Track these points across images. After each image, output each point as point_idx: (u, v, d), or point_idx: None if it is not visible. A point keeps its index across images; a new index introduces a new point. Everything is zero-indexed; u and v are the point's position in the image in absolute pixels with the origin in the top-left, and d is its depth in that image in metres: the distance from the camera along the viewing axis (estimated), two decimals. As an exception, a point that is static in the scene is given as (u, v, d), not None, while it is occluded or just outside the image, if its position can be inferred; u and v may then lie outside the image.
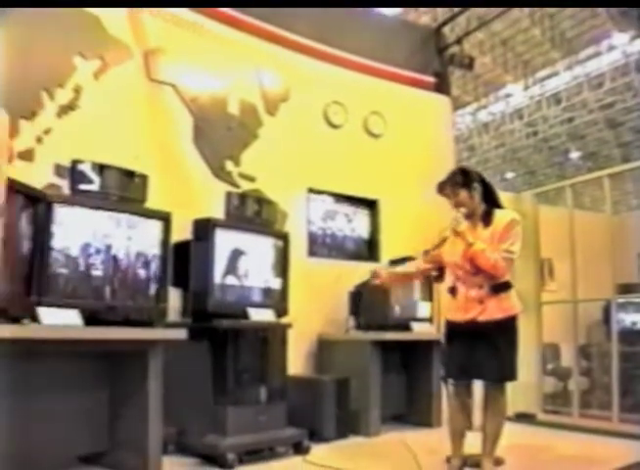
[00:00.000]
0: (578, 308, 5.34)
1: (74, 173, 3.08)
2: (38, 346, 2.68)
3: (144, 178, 3.33)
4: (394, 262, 4.74)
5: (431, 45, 6.35)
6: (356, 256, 5.46)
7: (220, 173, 4.65)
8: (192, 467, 3.46)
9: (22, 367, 2.75)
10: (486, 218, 3.26)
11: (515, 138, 16.72)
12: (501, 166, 18.58)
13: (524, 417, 5.19)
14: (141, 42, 4.32)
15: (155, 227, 3.27)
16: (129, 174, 3.26)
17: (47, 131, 3.76)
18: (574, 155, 17.62)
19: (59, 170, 3.64)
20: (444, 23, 7.03)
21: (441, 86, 6.28)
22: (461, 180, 3.29)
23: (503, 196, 3.48)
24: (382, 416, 4.53)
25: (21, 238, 2.71)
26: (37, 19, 3.72)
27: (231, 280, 3.77)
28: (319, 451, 3.85)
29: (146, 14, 4.36)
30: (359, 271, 4.78)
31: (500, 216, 3.25)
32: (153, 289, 3.24)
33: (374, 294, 4.71)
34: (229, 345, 3.61)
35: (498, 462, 3.34)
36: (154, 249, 3.26)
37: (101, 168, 3.13)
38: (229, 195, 3.92)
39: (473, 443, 3.36)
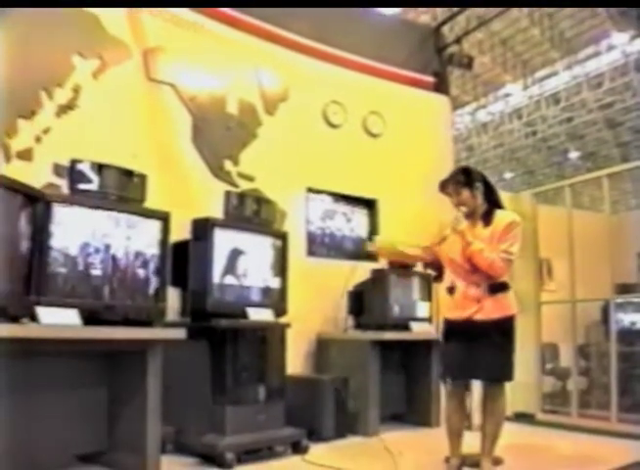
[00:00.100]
0: (577, 308, 5.35)
1: (73, 173, 3.08)
2: (37, 345, 2.67)
3: (143, 178, 3.32)
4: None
5: (430, 45, 6.35)
6: (355, 255, 5.46)
7: (219, 173, 4.65)
8: (190, 467, 3.46)
9: (21, 367, 2.75)
10: (487, 218, 3.27)
11: (514, 138, 16.73)
12: (500, 166, 18.59)
13: (522, 417, 5.19)
14: (140, 42, 4.32)
15: (154, 227, 3.27)
16: (128, 174, 3.25)
17: (46, 131, 3.76)
18: (573, 155, 17.63)
19: (58, 170, 3.64)
20: (443, 23, 7.04)
21: (440, 86, 6.28)
22: (463, 179, 3.30)
23: (502, 196, 3.48)
24: (381, 416, 4.53)
25: (20, 237, 2.71)
26: (36, 18, 3.72)
27: (230, 280, 3.77)
28: (318, 451, 3.85)
29: (145, 13, 4.36)
30: (358, 271, 4.79)
31: (501, 217, 3.26)
32: (152, 288, 3.24)
33: (373, 293, 4.72)
34: (228, 344, 3.61)
35: (497, 462, 3.35)
36: (153, 248, 3.26)
37: (100, 168, 3.12)
38: (228, 194, 3.91)
39: (472, 442, 3.37)
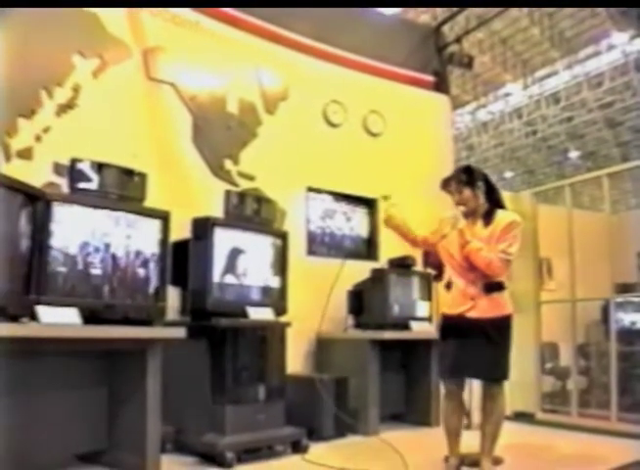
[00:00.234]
0: (577, 308, 5.35)
1: (73, 172, 3.08)
2: (37, 344, 2.67)
3: (143, 177, 3.32)
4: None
5: (430, 44, 6.36)
6: (355, 254, 5.46)
7: (219, 172, 4.65)
8: (190, 466, 3.46)
9: (21, 366, 2.75)
10: (487, 218, 3.27)
11: (514, 137, 16.74)
12: (500, 166, 18.59)
13: (522, 416, 5.20)
14: (140, 41, 4.32)
15: (154, 226, 3.27)
16: (128, 173, 3.25)
17: (46, 130, 3.76)
18: (573, 154, 17.64)
19: (58, 169, 3.64)
20: (444, 22, 7.04)
21: (440, 85, 6.28)
22: (465, 178, 3.30)
23: (503, 195, 3.48)
24: (380, 415, 4.53)
25: (20, 236, 2.71)
26: (36, 17, 3.72)
27: (230, 279, 3.77)
28: (318, 450, 3.85)
29: (145, 13, 4.36)
30: (358, 270, 4.79)
31: (501, 217, 3.26)
32: (152, 288, 3.24)
33: (373, 293, 4.72)
34: (228, 343, 3.61)
35: (497, 461, 3.35)
36: (153, 247, 3.26)
37: (100, 167, 3.12)
38: (228, 194, 3.91)
39: (471, 442, 3.36)
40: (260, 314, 3.79)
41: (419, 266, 5.03)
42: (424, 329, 4.86)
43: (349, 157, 5.37)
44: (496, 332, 3.19)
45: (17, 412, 2.75)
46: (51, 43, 3.84)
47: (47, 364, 2.93)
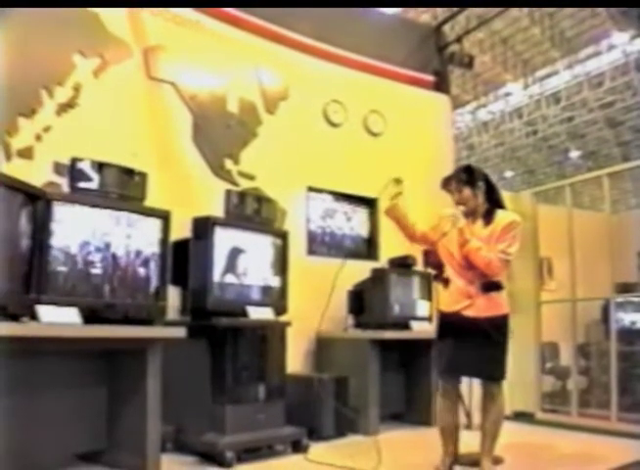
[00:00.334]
0: (577, 307, 5.35)
1: (74, 171, 3.08)
2: (37, 344, 2.67)
3: (143, 176, 3.32)
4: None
5: (430, 43, 6.35)
6: (355, 254, 5.46)
7: (220, 171, 4.65)
8: (190, 465, 3.46)
9: (21, 365, 2.74)
10: (488, 218, 3.27)
11: (514, 137, 16.73)
12: (500, 165, 18.58)
13: (522, 416, 5.20)
14: (141, 40, 4.32)
15: (154, 225, 3.27)
16: (128, 172, 3.25)
17: (46, 129, 3.76)
18: (574, 154, 17.63)
19: (58, 168, 3.64)
20: (444, 22, 7.04)
21: (441, 85, 6.28)
22: (466, 177, 3.30)
23: (503, 195, 3.48)
24: (380, 415, 4.53)
25: (20, 236, 2.71)
26: (37, 16, 3.72)
27: (230, 278, 3.77)
28: (318, 450, 3.85)
29: (146, 12, 4.36)
30: (358, 270, 4.78)
31: (501, 217, 3.26)
32: (152, 287, 3.24)
33: (374, 292, 4.72)
34: (228, 343, 3.61)
35: (497, 461, 3.34)
36: (153, 247, 3.26)
37: (100, 166, 3.12)
38: (228, 193, 3.91)
39: (471, 441, 3.37)
40: (260, 314, 3.79)
41: (419, 266, 5.03)
42: (424, 329, 4.86)
43: (350, 156, 5.37)
44: (494, 331, 3.19)
45: (17, 412, 2.75)
46: (51, 42, 3.84)
47: (47, 364, 2.93)
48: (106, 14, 4.09)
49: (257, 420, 3.67)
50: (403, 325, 4.76)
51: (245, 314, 3.72)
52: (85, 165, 3.08)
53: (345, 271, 4.65)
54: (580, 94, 14.36)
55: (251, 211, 3.97)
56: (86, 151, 3.23)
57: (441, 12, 10.10)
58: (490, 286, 3.22)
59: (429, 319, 4.99)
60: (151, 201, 3.34)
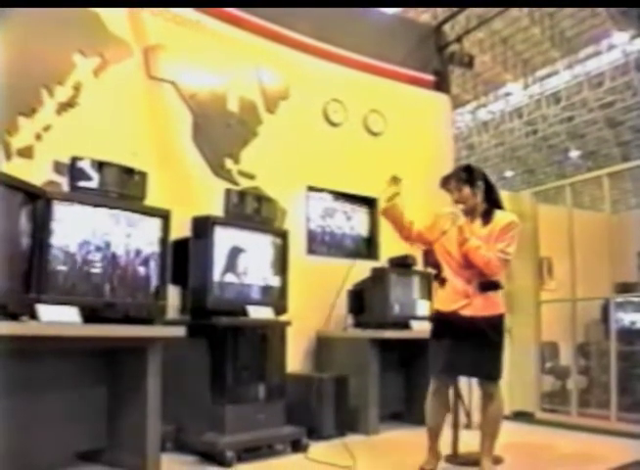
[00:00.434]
0: (577, 307, 5.35)
1: (74, 170, 3.08)
2: (37, 343, 2.67)
3: (143, 176, 3.32)
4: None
5: (430, 43, 6.35)
6: (355, 254, 5.46)
7: (219, 171, 4.65)
8: (190, 465, 3.46)
9: (21, 364, 2.74)
10: (486, 217, 3.27)
11: (514, 137, 16.73)
12: (500, 165, 18.59)
13: (522, 416, 5.20)
14: (141, 40, 4.32)
15: (154, 224, 3.27)
16: (128, 172, 3.25)
17: (46, 128, 3.76)
18: (574, 154, 17.63)
19: (58, 167, 3.64)
20: (444, 22, 7.04)
21: (441, 84, 6.28)
22: (465, 177, 3.30)
23: (502, 195, 3.48)
24: (380, 415, 4.53)
25: (20, 235, 2.71)
26: (37, 16, 3.71)
27: (230, 278, 3.77)
28: (318, 449, 3.85)
29: (146, 11, 4.36)
30: (358, 269, 4.78)
31: (500, 217, 3.26)
32: (152, 286, 3.24)
33: (374, 292, 4.71)
34: (228, 342, 3.61)
35: (497, 461, 3.34)
36: (153, 246, 3.26)
37: (100, 166, 3.12)
38: (228, 192, 3.91)
39: (471, 441, 3.37)
40: (260, 313, 3.79)
41: (419, 266, 5.03)
42: (424, 328, 4.80)
43: (350, 156, 5.37)
44: (491, 331, 3.19)
45: (17, 411, 2.75)
46: (52, 42, 3.84)
47: (47, 363, 2.93)
48: (106, 13, 4.09)
49: (257, 420, 3.67)
50: (403, 325, 4.76)
51: (245, 314, 3.72)
52: (85, 165, 3.08)
53: (345, 271, 4.66)
54: (580, 94, 14.36)
55: (251, 210, 3.96)
56: (86, 150, 3.23)
57: (441, 12, 10.09)
58: (488, 285, 3.22)
59: (429, 319, 4.99)
60: (151, 200, 3.34)
